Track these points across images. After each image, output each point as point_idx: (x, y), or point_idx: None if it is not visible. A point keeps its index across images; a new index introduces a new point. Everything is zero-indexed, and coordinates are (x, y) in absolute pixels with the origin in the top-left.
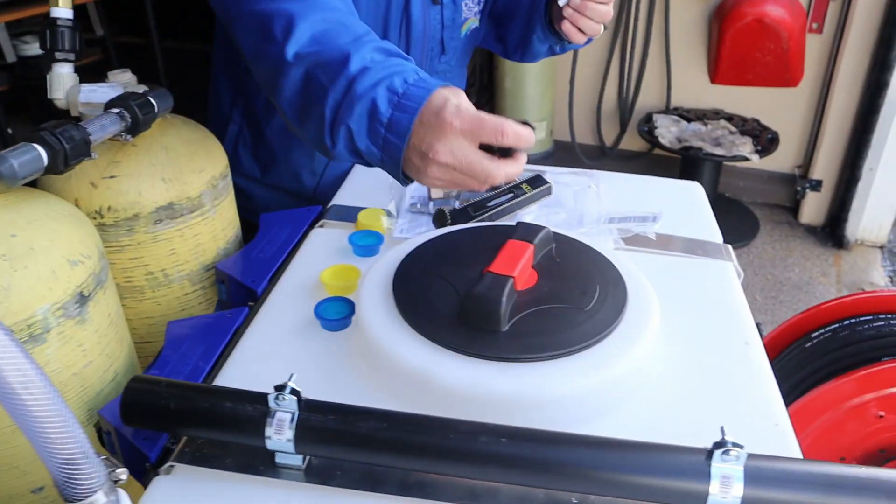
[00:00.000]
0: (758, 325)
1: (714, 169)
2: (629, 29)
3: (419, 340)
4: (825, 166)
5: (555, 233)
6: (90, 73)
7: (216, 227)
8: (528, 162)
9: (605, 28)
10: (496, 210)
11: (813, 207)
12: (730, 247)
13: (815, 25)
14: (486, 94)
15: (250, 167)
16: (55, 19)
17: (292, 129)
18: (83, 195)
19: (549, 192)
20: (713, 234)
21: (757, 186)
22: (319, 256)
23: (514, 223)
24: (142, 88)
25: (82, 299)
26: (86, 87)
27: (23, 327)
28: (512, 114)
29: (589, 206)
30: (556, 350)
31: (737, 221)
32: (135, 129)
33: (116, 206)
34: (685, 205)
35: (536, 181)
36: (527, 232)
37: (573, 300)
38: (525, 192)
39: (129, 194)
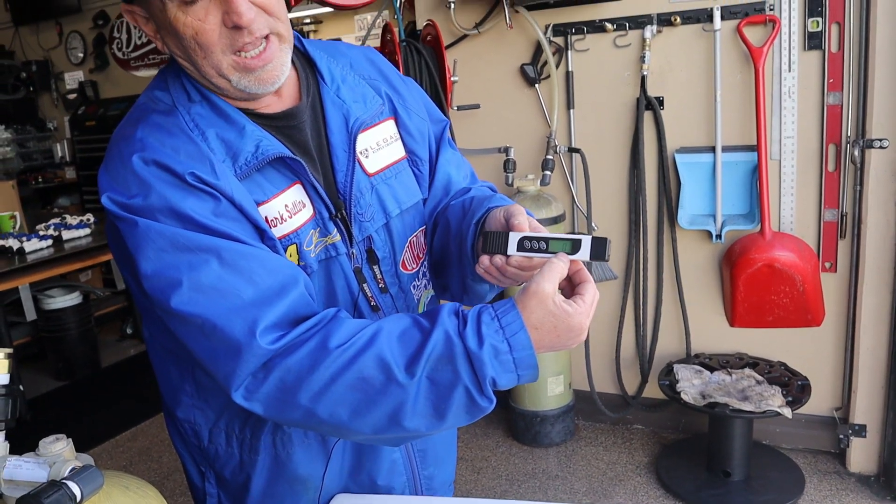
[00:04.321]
0: None
1: (745, 419)
2: (640, 276)
3: None
4: (866, 409)
5: None
6: None
7: None
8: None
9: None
10: None
11: (862, 454)
12: None
13: (827, 265)
14: None
15: None
16: None
17: (413, 435)
18: None
19: None
20: None
21: (796, 432)
22: None
23: None
24: (72, 465)
25: None
26: (11, 461)
27: None
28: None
29: None
30: None
31: (778, 475)
32: None
33: None
34: None
35: None
36: None
37: None
38: None
39: None
